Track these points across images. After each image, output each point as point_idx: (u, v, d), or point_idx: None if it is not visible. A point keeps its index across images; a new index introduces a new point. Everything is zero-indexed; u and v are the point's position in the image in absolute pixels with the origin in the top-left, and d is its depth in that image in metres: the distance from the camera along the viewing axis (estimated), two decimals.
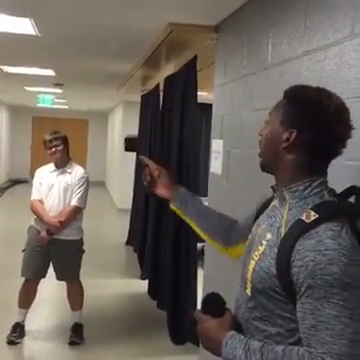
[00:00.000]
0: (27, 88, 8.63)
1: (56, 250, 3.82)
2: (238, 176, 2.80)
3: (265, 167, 1.36)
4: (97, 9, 3.13)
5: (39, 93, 9.43)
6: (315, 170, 1.26)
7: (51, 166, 3.96)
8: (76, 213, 3.84)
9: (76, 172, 3.91)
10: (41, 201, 3.86)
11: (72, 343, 3.86)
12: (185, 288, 3.96)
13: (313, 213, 1.17)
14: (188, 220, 1.74)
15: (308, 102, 1.24)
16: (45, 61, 5.33)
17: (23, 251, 3.91)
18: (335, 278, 1.09)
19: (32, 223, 3.92)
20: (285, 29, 2.20)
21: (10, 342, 3.78)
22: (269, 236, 1.26)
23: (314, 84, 1.81)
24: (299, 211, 1.21)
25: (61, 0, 2.97)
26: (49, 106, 11.14)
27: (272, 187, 1.36)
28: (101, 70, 5.85)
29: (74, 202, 3.82)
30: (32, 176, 4.05)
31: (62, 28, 3.74)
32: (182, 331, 3.93)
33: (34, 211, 3.86)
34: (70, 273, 3.92)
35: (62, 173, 3.90)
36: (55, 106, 12.11)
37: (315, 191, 1.24)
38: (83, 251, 3.97)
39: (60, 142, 3.87)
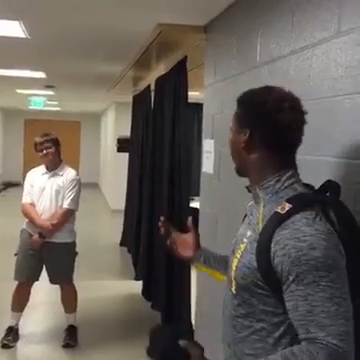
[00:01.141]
0: (18, 91, 8.60)
1: (49, 253, 3.79)
2: (229, 175, 2.80)
3: (238, 171, 1.44)
4: (86, 11, 3.12)
5: (31, 95, 9.40)
6: (281, 164, 1.31)
7: (42, 168, 3.93)
8: (68, 216, 3.82)
9: (68, 174, 3.88)
10: (32, 204, 3.83)
11: (66, 345, 3.84)
12: (179, 288, 3.96)
13: (287, 204, 1.21)
14: (210, 271, 1.75)
15: (250, 102, 1.34)
16: (36, 63, 5.32)
17: (15, 255, 3.88)
18: (319, 261, 1.12)
19: (24, 226, 3.89)
20: (273, 28, 2.21)
21: (4, 346, 3.76)
22: (249, 233, 1.31)
23: (301, 82, 1.83)
24: (273, 206, 1.25)
25: (49, 2, 2.97)
26: (41, 108, 11.11)
27: (247, 187, 1.41)
28: (92, 72, 5.84)
29: (66, 204, 3.80)
30: (24, 179, 4.02)
31: (51, 30, 3.74)
32: None
33: (26, 214, 3.83)
34: (63, 276, 3.90)
35: (53, 175, 3.87)
36: (47, 108, 12.07)
37: (286, 184, 1.28)
38: (76, 253, 3.95)
39: (51, 144, 3.84)
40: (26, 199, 3.86)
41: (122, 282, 5.70)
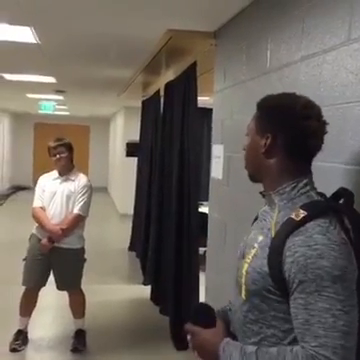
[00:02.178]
0: (29, 95, 8.67)
1: (57, 259, 3.79)
2: (239, 180, 2.80)
3: (252, 177, 1.43)
4: (96, 17, 3.15)
5: (41, 100, 9.47)
6: (298, 171, 1.30)
7: (54, 173, 3.94)
8: (78, 221, 3.81)
9: (80, 180, 3.88)
10: (43, 208, 3.83)
11: (75, 350, 3.84)
12: (187, 293, 3.96)
13: (302, 211, 1.20)
14: None
15: (276, 107, 1.33)
16: (46, 68, 5.36)
17: (24, 260, 3.88)
18: (326, 271, 1.11)
19: (34, 231, 3.89)
20: (283, 34, 2.21)
21: (13, 350, 3.76)
22: (261, 238, 1.30)
23: (312, 89, 1.83)
24: (288, 212, 1.24)
25: (61, 9, 2.99)
26: (51, 113, 11.18)
27: (261, 192, 1.40)
28: (102, 76, 5.87)
29: (76, 210, 3.79)
30: (35, 182, 4.03)
31: (62, 36, 3.77)
32: (185, 336, 3.92)
33: (36, 219, 3.83)
34: (71, 282, 3.89)
35: (65, 180, 3.87)
36: (57, 112, 12.15)
37: (302, 191, 1.28)
38: (85, 260, 3.94)
39: (64, 149, 3.86)
40: (37, 203, 3.87)
41: (130, 287, 5.70)
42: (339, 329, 1.08)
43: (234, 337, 1.35)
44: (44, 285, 3.89)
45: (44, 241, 3.75)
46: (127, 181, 9.27)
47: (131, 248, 7.35)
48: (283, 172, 1.30)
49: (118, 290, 5.54)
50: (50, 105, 9.95)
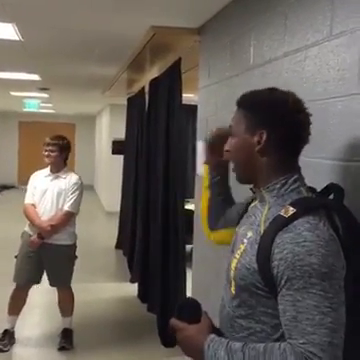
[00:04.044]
0: (13, 93, 8.59)
1: (47, 255, 3.78)
2: None
3: (243, 179, 1.39)
4: (80, 14, 3.13)
5: (25, 98, 9.39)
6: (288, 167, 1.30)
7: (46, 170, 3.96)
8: (68, 218, 3.82)
9: (70, 178, 3.90)
10: (34, 205, 3.84)
11: (62, 349, 3.83)
12: (175, 290, 3.96)
13: (291, 208, 1.19)
14: (206, 193, 1.72)
15: (267, 102, 1.30)
16: (30, 66, 5.31)
17: (16, 257, 3.87)
18: (314, 268, 1.11)
19: (25, 228, 3.89)
20: (266, 31, 2.22)
21: None
22: (250, 234, 1.29)
23: (295, 85, 1.84)
24: (278, 208, 1.24)
25: (43, 5, 2.97)
26: (35, 110, 11.08)
27: (251, 189, 1.40)
28: (86, 74, 5.84)
29: (66, 207, 3.80)
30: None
31: (46, 33, 3.74)
32: (172, 333, 3.92)
33: (26, 215, 3.84)
34: (61, 279, 3.88)
35: (56, 178, 3.90)
36: (42, 110, 12.05)
37: (292, 187, 1.27)
38: (75, 257, 3.94)
39: (56, 148, 3.87)
40: (28, 200, 3.88)
41: (117, 284, 5.69)
42: (327, 326, 1.09)
43: (219, 332, 1.34)
44: (37, 282, 3.88)
45: (33, 237, 3.75)
46: (113, 179, 9.24)
47: (118, 246, 7.34)
48: (273, 169, 1.29)
49: (105, 288, 5.53)
50: (35, 103, 9.87)
